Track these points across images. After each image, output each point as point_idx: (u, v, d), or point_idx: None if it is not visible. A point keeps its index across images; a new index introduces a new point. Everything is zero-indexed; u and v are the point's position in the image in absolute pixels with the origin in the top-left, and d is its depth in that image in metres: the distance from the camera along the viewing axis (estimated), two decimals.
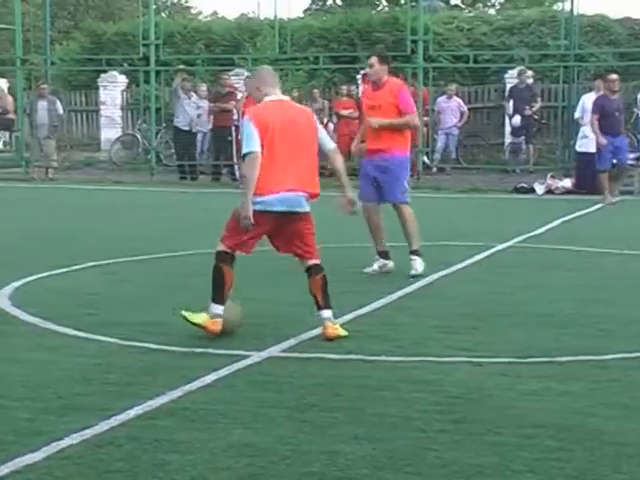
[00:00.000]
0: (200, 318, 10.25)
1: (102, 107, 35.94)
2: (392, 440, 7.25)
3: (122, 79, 36.06)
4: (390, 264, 14.93)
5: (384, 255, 15.02)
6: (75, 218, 21.60)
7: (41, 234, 18.24)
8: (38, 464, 6.69)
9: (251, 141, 10.05)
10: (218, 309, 10.27)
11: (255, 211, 10.12)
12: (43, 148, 32.51)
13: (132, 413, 7.77)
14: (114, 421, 7.59)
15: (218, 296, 10.35)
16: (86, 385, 8.74)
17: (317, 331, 10.72)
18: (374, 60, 14.87)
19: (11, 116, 34.52)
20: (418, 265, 14.60)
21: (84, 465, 6.71)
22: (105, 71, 36.12)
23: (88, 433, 7.32)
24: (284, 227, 10.42)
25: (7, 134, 35.68)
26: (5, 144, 35.81)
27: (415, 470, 6.66)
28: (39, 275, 13.68)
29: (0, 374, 9.15)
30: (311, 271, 10.44)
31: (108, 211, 22.97)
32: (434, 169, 32.70)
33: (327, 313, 10.42)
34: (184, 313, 10.26)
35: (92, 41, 42.41)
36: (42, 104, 32.82)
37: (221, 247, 10.52)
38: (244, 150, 10.20)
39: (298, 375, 9.15)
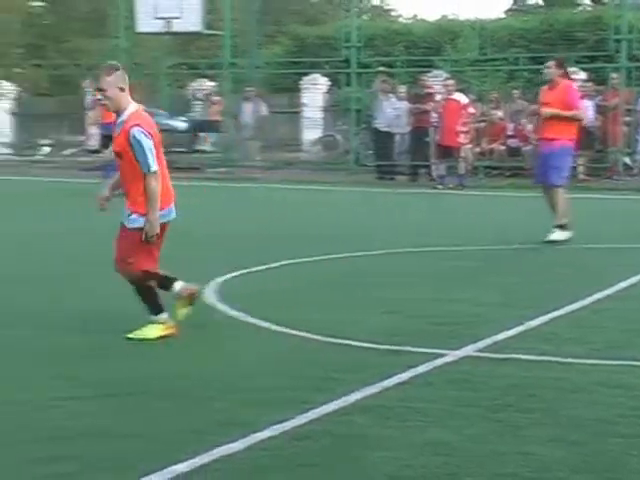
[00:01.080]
0: (156, 331, 10.20)
1: (304, 109, 36.18)
2: (589, 444, 7.02)
3: (324, 81, 36.33)
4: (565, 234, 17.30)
5: (560, 227, 17.31)
6: (274, 216, 21.96)
7: (243, 232, 18.50)
8: (237, 454, 6.73)
9: (153, 158, 9.76)
10: (163, 315, 10.18)
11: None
12: (248, 148, 33.06)
13: (328, 408, 7.74)
14: (312, 414, 7.61)
15: (156, 306, 10.25)
16: (285, 379, 8.84)
17: (512, 332, 10.57)
18: (551, 64, 17.85)
19: (218, 118, 35.17)
20: (556, 234, 17.20)
21: (282, 457, 6.73)
22: (308, 74, 36.41)
23: (287, 425, 7.35)
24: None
25: (215, 135, 36.22)
26: (213, 145, 36.35)
27: (615, 476, 6.41)
28: (241, 271, 13.95)
29: (202, 366, 9.38)
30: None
31: (306, 210, 23.35)
32: (635, 170, 31.91)
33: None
34: (131, 335, 10.14)
35: (295, 45, 43.02)
36: (247, 106, 33.58)
37: (137, 273, 10.23)
38: (152, 168, 9.77)
39: (493, 375, 9.02)
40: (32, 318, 11.20)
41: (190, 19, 35.01)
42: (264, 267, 14.45)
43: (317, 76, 35.94)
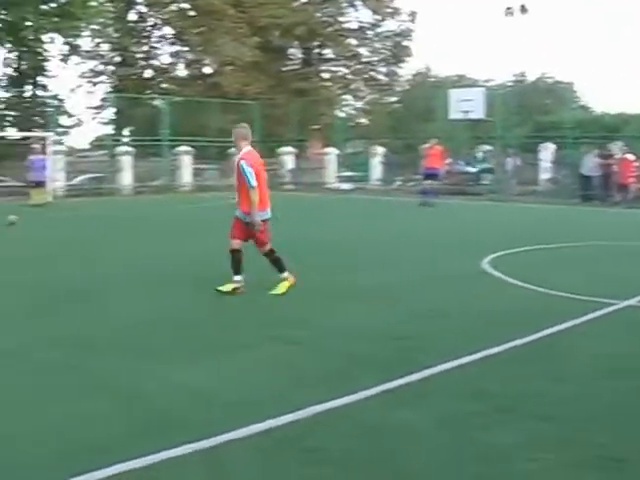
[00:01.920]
0: (230, 287, 9.65)
1: (541, 162, 35.55)
2: None
3: (552, 147, 35.49)
4: None
5: None
6: (522, 221, 21.13)
7: (504, 229, 18.36)
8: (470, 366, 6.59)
9: (253, 179, 9.41)
10: (238, 277, 9.68)
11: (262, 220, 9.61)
12: (509, 184, 32.85)
13: (541, 333, 7.64)
14: (525, 340, 7.43)
15: (238, 270, 9.69)
16: (519, 312, 8.73)
17: None
18: None
19: (493, 166, 35.06)
20: None
21: (503, 368, 6.54)
22: (543, 142, 35.71)
23: (515, 343, 7.21)
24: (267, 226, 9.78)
25: (490, 176, 36.01)
26: (489, 181, 36.16)
27: None
28: (503, 252, 13.86)
29: (478, 307, 9.12)
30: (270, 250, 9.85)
31: (540, 218, 22.55)
32: None
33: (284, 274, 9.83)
34: (219, 288, 9.62)
35: (536, 126, 42.23)
36: (509, 160, 33.96)
37: (267, 247, 9.80)
38: (252, 184, 9.40)
39: None
40: None
41: (477, 111, 35.08)
42: (517, 250, 14.31)
43: (548, 144, 35.12)
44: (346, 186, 38.01)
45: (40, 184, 27.26)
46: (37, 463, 4.60)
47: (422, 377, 6.18)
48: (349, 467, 4.54)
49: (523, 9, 38.16)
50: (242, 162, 9.58)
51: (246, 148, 9.72)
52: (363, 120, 56.25)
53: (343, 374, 6.33)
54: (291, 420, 5.21)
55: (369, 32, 55.06)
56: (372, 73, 55.93)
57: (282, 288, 9.73)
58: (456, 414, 5.40)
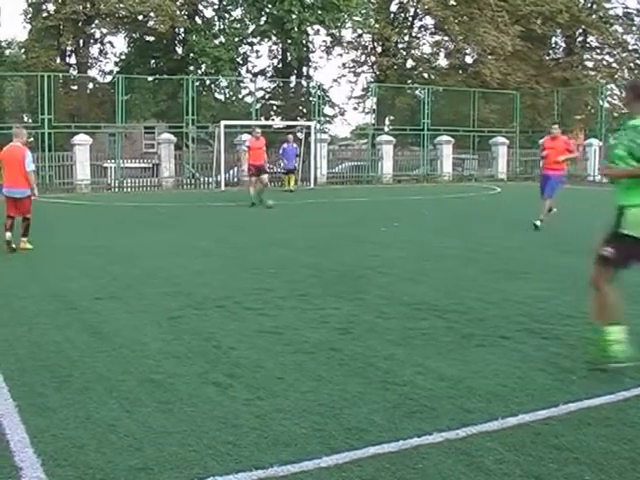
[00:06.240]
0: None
1: None
2: None
3: None
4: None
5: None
6: None
7: None
8: None
9: None
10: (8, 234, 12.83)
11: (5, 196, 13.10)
12: None
13: None
14: None
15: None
16: None
17: None
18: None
19: None
20: None
21: None
22: None
23: None
24: (15, 203, 13.03)
25: None
26: None
27: None
28: None
29: None
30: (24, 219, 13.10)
31: None
32: None
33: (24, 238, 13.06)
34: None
35: None
36: None
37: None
38: None
39: None
40: None
41: None
42: None
43: None
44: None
45: (291, 171, 29.27)
46: (294, 438, 4.82)
47: None
48: (604, 469, 4.35)
49: None
50: None
51: (12, 144, 13.01)
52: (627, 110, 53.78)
53: (603, 372, 6.10)
54: (545, 416, 5.12)
55: (636, 19, 52.59)
56: (638, 62, 53.44)
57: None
58: None
